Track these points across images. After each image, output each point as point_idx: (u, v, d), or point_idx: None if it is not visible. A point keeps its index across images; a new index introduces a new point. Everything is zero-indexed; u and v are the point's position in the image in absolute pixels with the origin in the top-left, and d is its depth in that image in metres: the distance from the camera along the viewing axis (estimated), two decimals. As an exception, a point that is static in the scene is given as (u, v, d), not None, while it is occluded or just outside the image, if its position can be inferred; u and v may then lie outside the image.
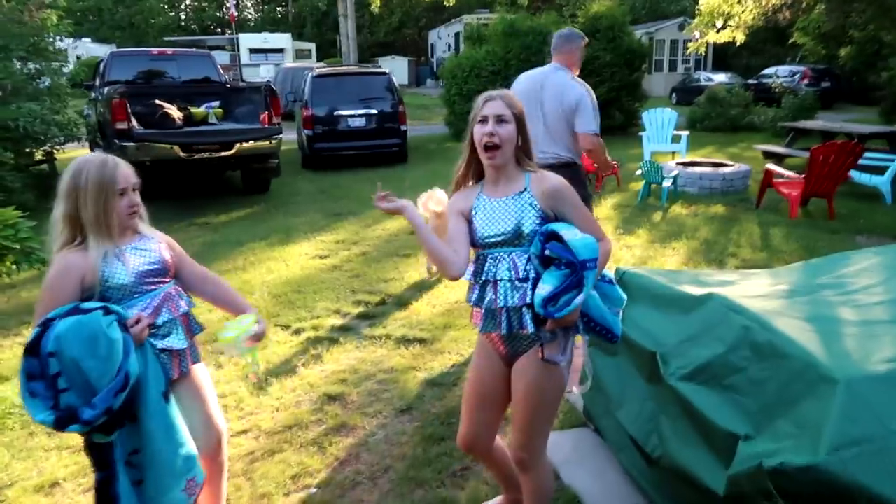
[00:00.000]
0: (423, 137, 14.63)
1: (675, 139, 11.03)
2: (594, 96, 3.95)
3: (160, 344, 2.07)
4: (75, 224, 2.02)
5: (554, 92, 3.91)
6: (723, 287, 2.61)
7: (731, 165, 8.98)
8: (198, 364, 2.27)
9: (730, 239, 6.50)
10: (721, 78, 21.72)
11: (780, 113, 14.59)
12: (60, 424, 1.81)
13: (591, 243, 1.95)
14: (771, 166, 7.93)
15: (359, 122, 11.18)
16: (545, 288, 1.94)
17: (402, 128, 11.43)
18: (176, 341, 2.12)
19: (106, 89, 8.45)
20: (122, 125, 7.59)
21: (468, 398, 2.31)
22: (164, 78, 10.56)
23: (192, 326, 2.22)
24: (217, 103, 9.10)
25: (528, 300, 2.01)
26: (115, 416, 1.86)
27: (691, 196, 8.38)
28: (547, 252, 1.98)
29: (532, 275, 2.02)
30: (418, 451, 3.00)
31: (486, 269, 2.08)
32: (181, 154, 7.79)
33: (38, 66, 9.09)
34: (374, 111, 11.22)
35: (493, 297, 2.07)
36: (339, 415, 3.35)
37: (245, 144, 8.10)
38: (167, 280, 2.18)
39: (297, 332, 4.44)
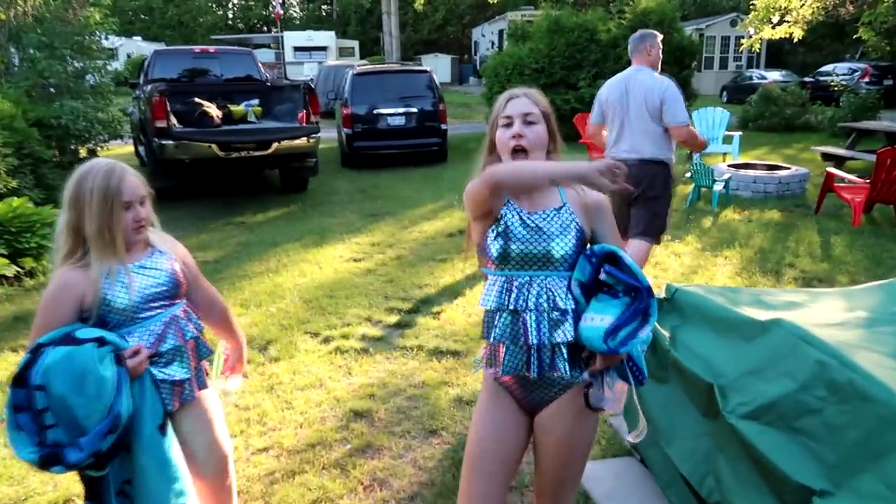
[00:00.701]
0: (464, 136, 14.40)
1: (727, 140, 10.54)
2: (677, 87, 4.12)
3: (160, 374, 1.90)
4: (78, 237, 1.86)
5: (638, 92, 4.10)
6: (790, 310, 2.32)
7: (788, 168, 8.51)
8: (206, 388, 2.10)
9: (787, 248, 6.11)
10: (775, 75, 20.91)
11: (839, 113, 13.88)
12: (44, 464, 1.66)
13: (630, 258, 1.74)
14: (832, 170, 7.46)
15: (399, 121, 11.02)
16: (604, 319, 1.65)
17: (443, 127, 11.23)
18: (178, 370, 1.95)
19: (148, 87, 8.47)
20: (161, 123, 7.57)
21: (475, 464, 1.83)
22: (206, 76, 10.58)
23: (199, 351, 2.05)
24: (256, 101, 9.06)
25: (569, 337, 1.70)
26: (105, 456, 1.70)
27: (744, 200, 7.96)
28: (603, 276, 1.69)
29: (572, 305, 1.72)
30: (447, 478, 2.79)
31: (512, 296, 1.73)
32: (219, 153, 7.73)
33: (82, 64, 9.17)
34: (414, 110, 11.04)
35: (523, 330, 1.72)
36: (365, 433, 3.16)
37: (282, 143, 8.01)
38: (176, 301, 2.01)
39: (327, 340, 4.26)
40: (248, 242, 6.76)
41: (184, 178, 8.27)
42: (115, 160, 1.95)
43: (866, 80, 18.81)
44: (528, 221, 1.77)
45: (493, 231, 1.77)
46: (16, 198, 5.83)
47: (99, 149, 9.47)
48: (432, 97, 11.27)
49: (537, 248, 1.75)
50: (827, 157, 10.20)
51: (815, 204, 7.37)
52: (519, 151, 1.78)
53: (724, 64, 27.44)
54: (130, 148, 11.15)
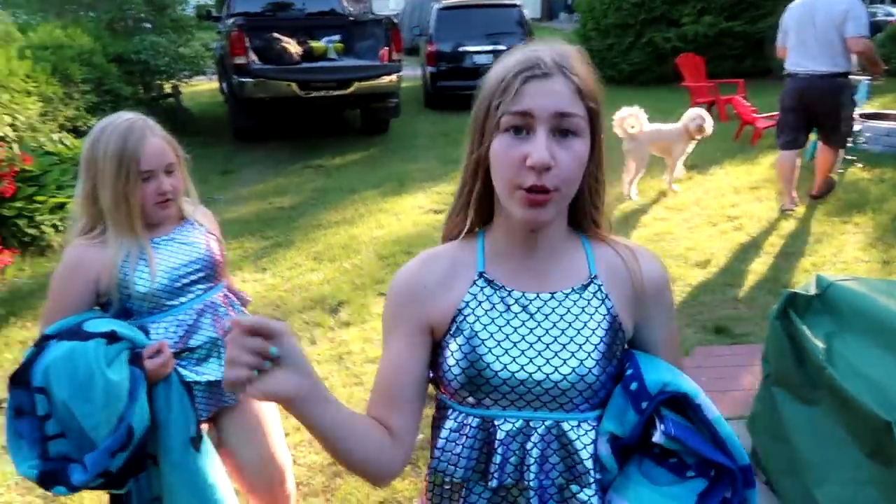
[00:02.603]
0: (554, 76, 13.57)
1: (853, 85, 9.37)
2: (862, 4, 4.60)
3: (191, 375, 1.57)
4: (95, 209, 1.54)
5: (824, 5, 4.63)
6: None
7: (929, 119, 7.43)
8: None
9: (931, 215, 5.27)
10: (907, 11, 18.64)
11: None
12: (45, 482, 1.37)
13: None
14: None
15: (485, 59, 10.36)
16: None
17: (533, 66, 10.50)
18: (214, 370, 1.62)
19: (229, 21, 8.21)
20: (240, 60, 7.30)
21: None
22: (289, 10, 10.22)
23: None
24: (338, 37, 8.66)
25: None
26: (118, 476, 1.39)
27: (875, 156, 6.98)
28: (660, 438, 0.92)
29: (594, 475, 0.96)
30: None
31: (498, 459, 0.95)
32: (298, 92, 7.42)
33: (163, -3, 8.99)
34: (501, 47, 10.32)
35: None
36: (440, 421, 2.82)
37: (363, 83, 7.61)
38: (212, 284, 1.66)
39: (402, 304, 3.93)
40: (325, 188, 6.49)
41: (263, 118, 8.05)
42: (138, 115, 1.58)
43: None
44: (527, 309, 0.98)
45: (455, 337, 0.97)
46: (94, 136, 5.73)
47: (182, 84, 9.37)
48: (521, 34, 10.54)
49: (549, 363, 0.95)
50: (974, 107, 8.91)
51: (964, 163, 6.37)
52: (539, 193, 0.89)
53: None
54: (216, 84, 11.04)
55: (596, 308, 0.98)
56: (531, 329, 0.96)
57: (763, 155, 6.99)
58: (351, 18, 9.34)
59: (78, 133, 5.93)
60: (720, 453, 0.92)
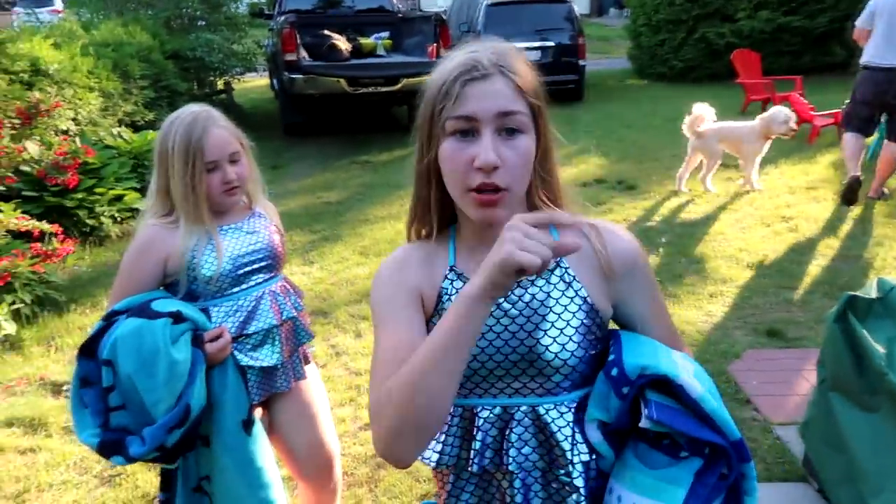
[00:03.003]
0: (602, 73, 13.40)
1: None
2: None
3: (245, 359, 1.62)
4: (167, 197, 1.60)
5: None
6: None
7: None
8: (304, 379, 1.80)
9: None
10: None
11: None
12: (104, 451, 1.43)
13: (713, 389, 0.97)
14: None
15: (533, 56, 10.29)
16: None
17: (581, 63, 10.40)
18: (268, 356, 1.66)
19: (281, 18, 8.35)
20: (290, 56, 7.42)
21: None
22: (339, 7, 10.34)
23: (297, 334, 1.75)
24: (386, 34, 8.73)
25: None
26: (172, 452, 1.44)
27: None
28: (646, 423, 0.92)
29: (574, 456, 0.96)
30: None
31: (477, 445, 0.98)
32: (347, 88, 7.51)
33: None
34: (550, 44, 10.27)
35: None
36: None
37: (411, 80, 7.65)
38: (273, 274, 1.71)
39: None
40: (372, 184, 6.55)
41: (313, 114, 8.18)
42: (203, 107, 1.64)
43: None
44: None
45: (437, 320, 0.99)
46: (151, 131, 5.90)
47: (234, 81, 9.58)
48: (571, 30, 10.44)
49: (511, 350, 0.97)
50: None
51: None
52: (490, 193, 0.91)
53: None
54: (266, 81, 11.26)
55: (563, 291, 0.98)
56: (507, 317, 0.98)
57: (821, 154, 6.75)
58: (400, 15, 9.39)
59: (136, 128, 6.14)
60: (709, 430, 0.91)
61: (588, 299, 0.99)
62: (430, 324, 1.01)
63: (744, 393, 2.89)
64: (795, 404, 2.75)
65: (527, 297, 0.98)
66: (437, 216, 1.02)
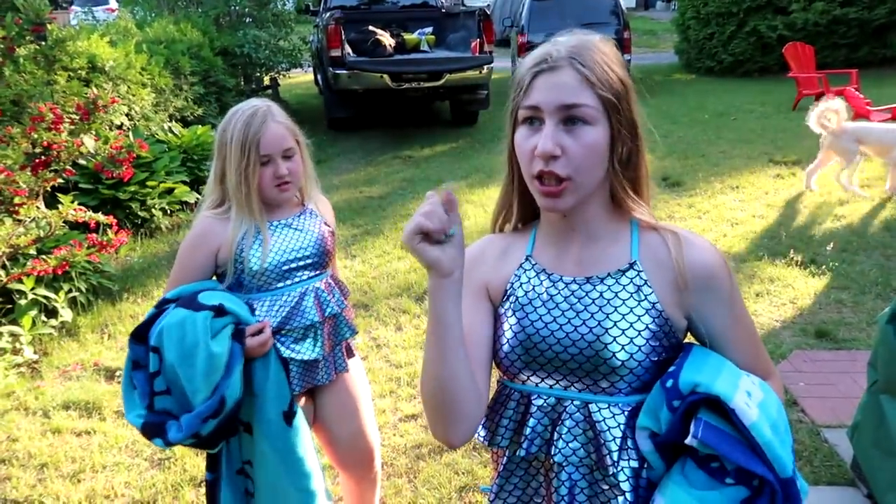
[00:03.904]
0: (648, 67, 13.18)
1: None
2: None
3: (287, 352, 1.65)
4: (223, 186, 1.65)
5: None
6: None
7: None
8: (346, 371, 1.83)
9: None
10: None
11: None
12: (147, 432, 1.49)
13: (782, 422, 0.93)
14: None
15: (578, 51, 10.21)
16: None
17: (626, 57, 10.23)
18: (309, 350, 1.69)
19: (326, 15, 8.46)
20: (335, 52, 7.51)
21: None
22: (383, 3, 10.42)
23: (339, 330, 1.78)
24: (430, 29, 8.75)
25: None
26: (209, 439, 1.49)
27: None
28: (692, 441, 0.90)
29: (623, 460, 0.97)
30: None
31: (528, 431, 1.01)
32: (390, 83, 7.57)
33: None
34: (595, 38, 10.16)
35: (545, 498, 1.05)
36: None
37: (454, 75, 7.66)
38: (319, 272, 1.74)
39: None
40: (413, 179, 6.59)
41: (357, 109, 8.26)
42: (265, 101, 1.69)
43: None
44: (563, 292, 1.01)
45: (504, 310, 1.04)
46: (200, 126, 6.04)
47: (280, 77, 9.73)
48: (616, 24, 10.31)
49: (571, 343, 0.98)
50: None
51: None
52: (549, 177, 0.93)
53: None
54: (310, 76, 11.41)
55: (632, 294, 0.98)
56: (572, 310, 1.00)
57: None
58: (443, 10, 9.40)
59: (185, 123, 6.29)
60: (758, 462, 0.87)
61: (657, 305, 0.98)
62: (499, 313, 1.06)
63: (791, 394, 2.83)
64: (844, 407, 2.68)
65: (594, 294, 0.99)
66: (521, 209, 1.07)
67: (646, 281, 0.98)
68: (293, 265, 1.68)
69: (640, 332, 0.96)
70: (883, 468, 2.09)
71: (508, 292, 1.04)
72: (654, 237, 1.01)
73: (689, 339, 1.05)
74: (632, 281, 0.99)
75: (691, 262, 0.98)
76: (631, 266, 0.99)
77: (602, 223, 1.02)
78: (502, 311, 1.04)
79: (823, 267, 4.07)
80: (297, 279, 1.69)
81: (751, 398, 0.91)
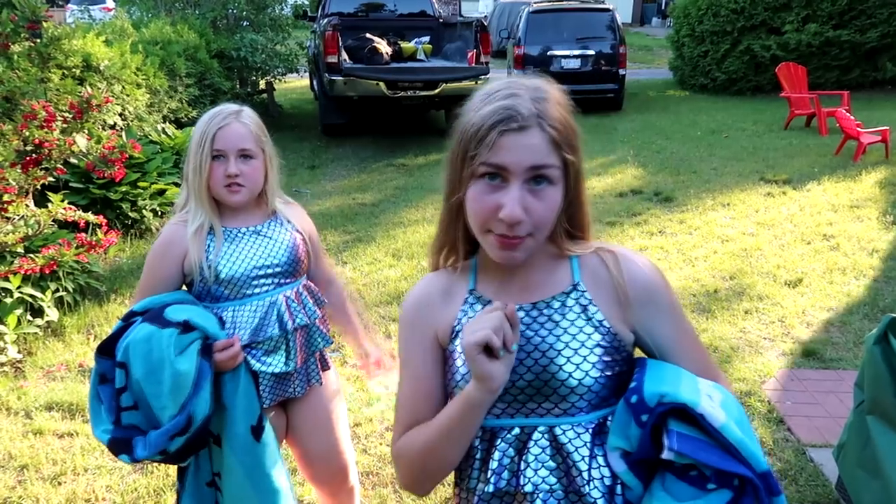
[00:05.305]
0: (642, 83, 13.29)
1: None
2: None
3: (257, 364, 1.63)
4: (187, 183, 1.64)
5: None
6: None
7: None
8: (320, 384, 1.81)
9: None
10: None
11: None
12: (113, 448, 1.46)
13: (744, 418, 0.94)
14: None
15: (573, 64, 10.28)
16: None
17: (621, 72, 10.33)
18: (280, 362, 1.66)
19: (324, 21, 8.48)
20: (332, 58, 7.53)
21: None
22: (381, 10, 10.46)
23: (312, 340, 1.75)
24: (427, 39, 8.80)
25: None
26: (176, 456, 1.47)
27: None
28: (669, 455, 0.89)
29: (592, 478, 0.96)
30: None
31: (494, 465, 0.99)
32: (386, 91, 7.59)
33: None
34: (591, 52, 10.24)
35: None
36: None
37: (450, 85, 7.69)
38: (289, 280, 1.70)
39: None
40: (406, 187, 6.60)
41: (352, 116, 8.28)
42: (240, 106, 1.68)
43: None
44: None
45: (454, 347, 1.03)
46: (193, 128, 6.02)
47: (275, 81, 9.73)
48: (612, 39, 10.40)
49: (526, 370, 0.98)
50: None
51: None
52: (511, 239, 0.93)
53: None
54: (306, 81, 11.42)
55: (578, 314, 1.00)
56: (523, 337, 0.98)
57: (867, 172, 6.57)
58: (441, 20, 9.46)
59: (179, 124, 6.27)
60: (734, 461, 0.88)
61: (605, 322, 0.99)
62: (448, 350, 1.04)
63: (777, 413, 2.84)
64: (830, 426, 2.69)
65: (542, 319, 1.00)
66: (465, 246, 1.06)
67: (590, 300, 1.00)
68: (261, 272, 1.65)
69: (591, 349, 0.98)
70: (868, 489, 2.09)
71: (456, 330, 1.03)
72: (593, 258, 1.03)
73: (638, 353, 1.06)
74: (577, 301, 1.00)
75: (631, 278, 1.00)
76: (574, 287, 1.01)
77: (545, 250, 1.03)
78: (451, 348, 1.03)
79: (812, 286, 4.10)
80: (265, 288, 1.66)
81: (713, 400, 0.92)
